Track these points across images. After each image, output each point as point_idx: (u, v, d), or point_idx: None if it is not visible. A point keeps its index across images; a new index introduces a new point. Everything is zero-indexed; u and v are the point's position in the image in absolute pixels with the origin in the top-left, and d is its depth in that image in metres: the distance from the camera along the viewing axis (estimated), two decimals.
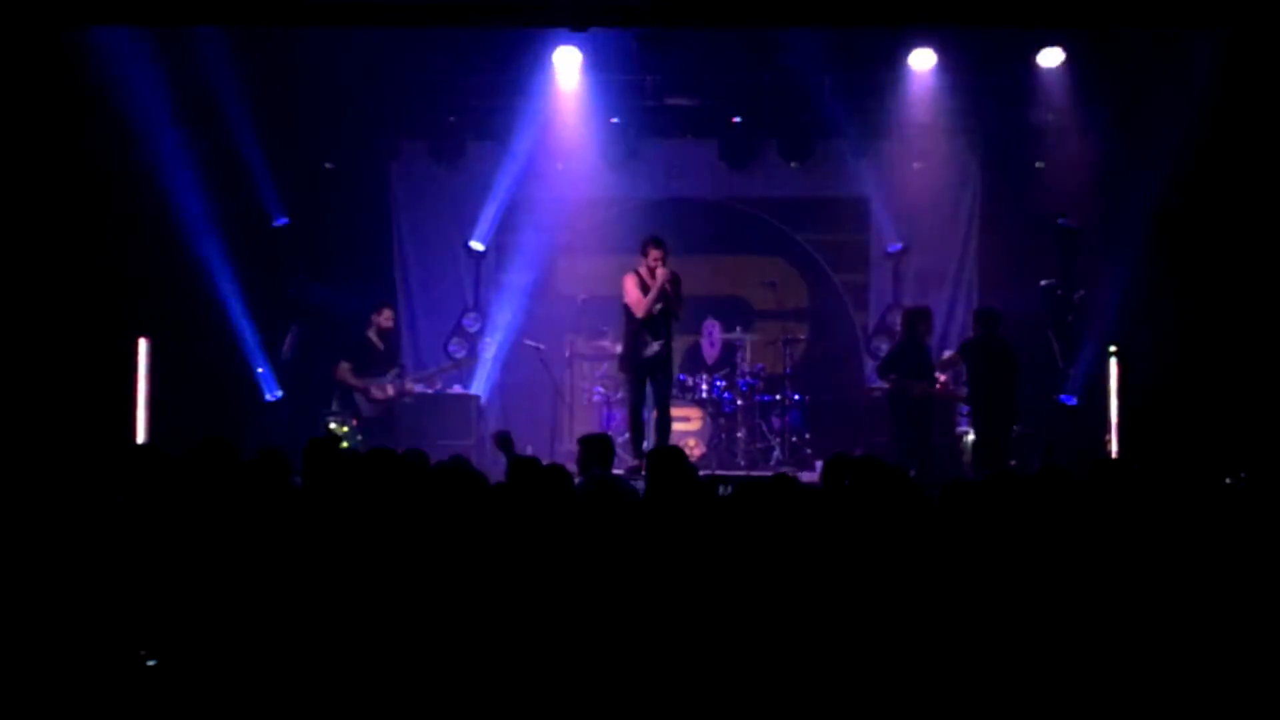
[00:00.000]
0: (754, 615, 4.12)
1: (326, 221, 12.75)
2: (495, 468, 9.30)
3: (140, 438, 10.47)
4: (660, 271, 10.20)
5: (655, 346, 10.30)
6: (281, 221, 12.23)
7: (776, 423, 12.49)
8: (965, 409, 11.60)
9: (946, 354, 11.79)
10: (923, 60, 12.13)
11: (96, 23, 9.85)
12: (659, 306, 10.25)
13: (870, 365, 13.00)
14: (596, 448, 7.33)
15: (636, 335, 10.34)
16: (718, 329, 12.85)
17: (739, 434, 12.38)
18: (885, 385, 11.64)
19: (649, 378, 10.42)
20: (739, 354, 12.78)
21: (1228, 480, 8.51)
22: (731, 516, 4.74)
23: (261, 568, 4.49)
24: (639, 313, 10.26)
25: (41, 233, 9.98)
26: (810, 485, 6.57)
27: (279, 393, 12.04)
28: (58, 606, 4.20)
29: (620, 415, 11.94)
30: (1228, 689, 3.98)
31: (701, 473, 8.83)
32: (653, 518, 5.06)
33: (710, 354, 12.88)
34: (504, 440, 8.09)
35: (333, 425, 11.27)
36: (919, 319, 11.48)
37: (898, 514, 4.53)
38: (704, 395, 12.36)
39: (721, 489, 7.86)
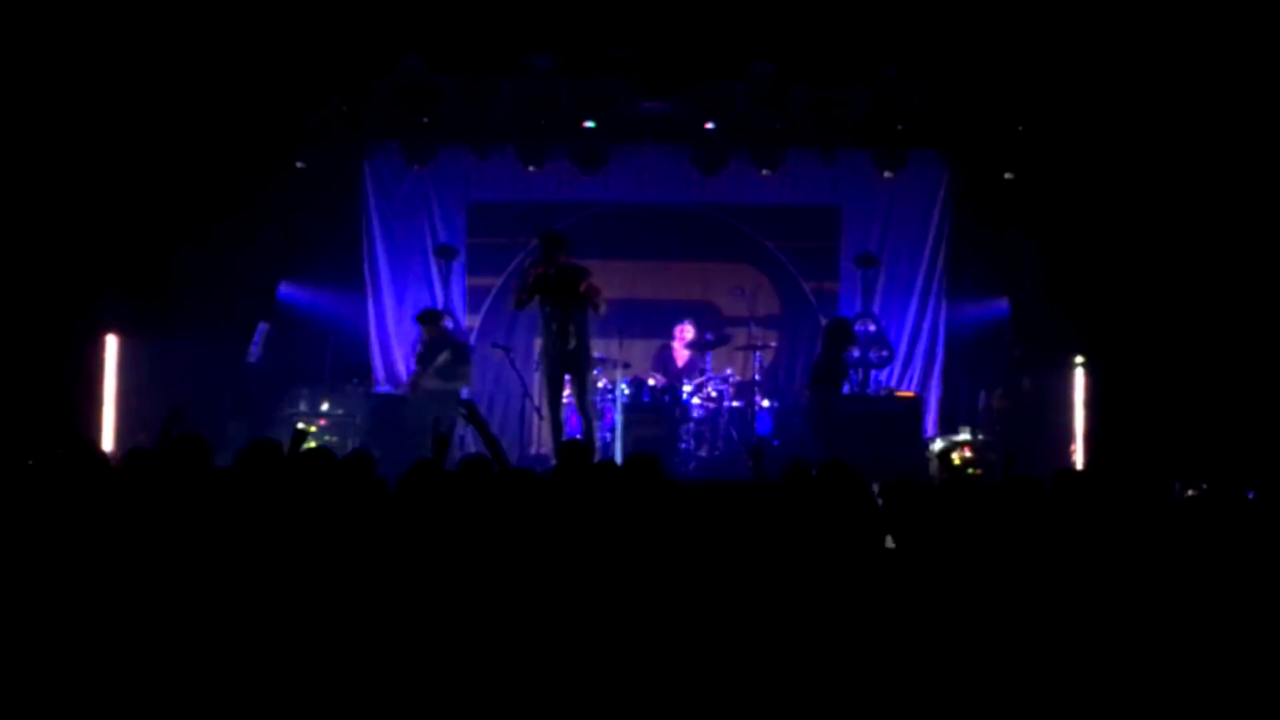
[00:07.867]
0: (706, 617, 4.14)
1: (298, 220, 12.69)
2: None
3: (107, 436, 10.43)
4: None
5: (567, 343, 10.34)
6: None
7: (745, 429, 12.51)
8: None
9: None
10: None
11: None
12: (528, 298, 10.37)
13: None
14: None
15: (545, 331, 10.46)
16: (691, 328, 12.91)
17: (706, 440, 12.40)
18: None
19: (564, 375, 10.48)
20: (708, 358, 12.81)
21: (1190, 491, 8.61)
22: (696, 516, 4.75)
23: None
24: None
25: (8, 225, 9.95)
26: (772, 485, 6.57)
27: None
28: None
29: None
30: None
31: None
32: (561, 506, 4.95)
33: (680, 356, 12.92)
34: (441, 441, 6.59)
35: (300, 424, 11.24)
36: (842, 331, 11.79)
37: (857, 519, 4.56)
38: (672, 400, 12.36)
39: None
